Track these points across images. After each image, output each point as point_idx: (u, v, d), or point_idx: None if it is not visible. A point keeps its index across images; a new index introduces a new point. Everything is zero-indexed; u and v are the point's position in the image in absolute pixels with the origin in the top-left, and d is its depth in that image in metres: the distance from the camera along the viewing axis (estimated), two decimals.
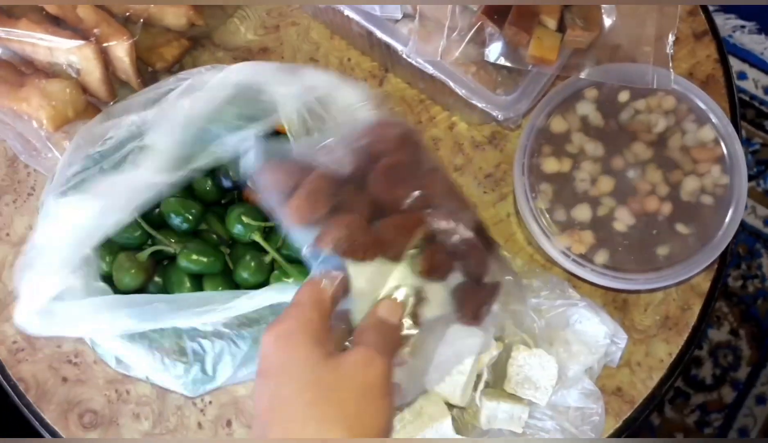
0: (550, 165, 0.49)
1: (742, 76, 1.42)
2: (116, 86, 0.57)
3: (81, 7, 0.55)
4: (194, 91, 0.50)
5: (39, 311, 0.44)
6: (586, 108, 0.50)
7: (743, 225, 1.30)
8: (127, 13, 0.55)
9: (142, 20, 0.56)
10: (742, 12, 1.44)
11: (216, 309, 0.45)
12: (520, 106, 0.46)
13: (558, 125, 0.50)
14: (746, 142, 1.37)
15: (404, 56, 0.48)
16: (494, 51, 0.45)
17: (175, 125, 0.48)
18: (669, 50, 0.46)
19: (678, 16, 0.46)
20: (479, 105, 0.46)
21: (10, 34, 0.55)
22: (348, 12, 0.49)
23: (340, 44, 0.60)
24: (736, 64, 1.42)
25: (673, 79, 0.48)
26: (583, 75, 0.46)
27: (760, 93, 1.41)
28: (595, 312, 0.51)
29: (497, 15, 0.44)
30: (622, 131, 0.50)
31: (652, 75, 0.47)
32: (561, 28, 0.46)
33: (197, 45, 0.60)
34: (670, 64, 0.47)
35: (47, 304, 0.44)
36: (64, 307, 0.45)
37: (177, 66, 0.59)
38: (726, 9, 1.43)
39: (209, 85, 0.49)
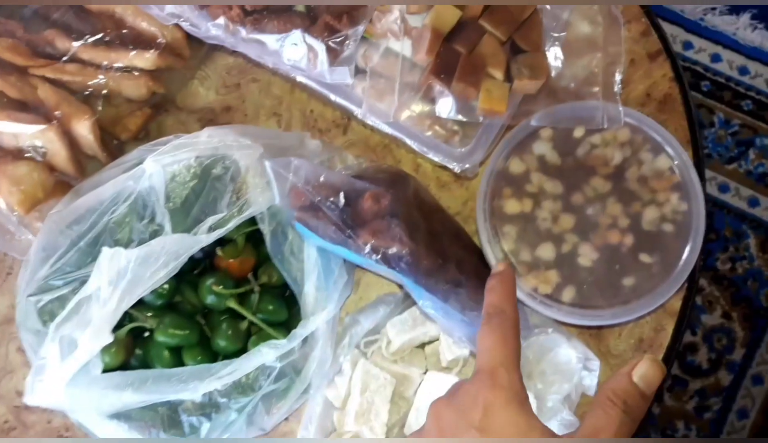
0: (512, 206, 0.50)
1: (717, 58, 1.42)
2: (84, 162, 0.57)
3: (41, 88, 0.56)
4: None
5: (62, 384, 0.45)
6: (542, 147, 0.51)
7: (728, 207, 1.31)
8: (87, 91, 0.56)
9: (102, 94, 0.57)
10: None
11: (206, 380, 0.46)
12: (475, 157, 0.47)
13: (516, 166, 0.51)
14: (724, 123, 1.38)
15: (360, 117, 0.49)
16: (445, 107, 0.46)
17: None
18: (617, 88, 0.47)
19: (623, 53, 0.47)
20: (435, 159, 0.47)
21: None
22: (300, 78, 0.50)
23: (301, 96, 0.61)
24: (709, 47, 1.43)
25: (623, 115, 0.49)
26: (534, 121, 0.47)
27: (735, 74, 1.41)
28: (565, 337, 0.52)
29: (444, 73, 0.45)
30: (580, 167, 0.51)
31: (603, 113, 0.48)
32: (508, 77, 0.47)
33: (161, 110, 0.61)
34: (619, 102, 0.47)
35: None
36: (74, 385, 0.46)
37: (143, 133, 0.60)
38: None
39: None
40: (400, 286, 0.53)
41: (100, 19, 0.58)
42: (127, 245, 0.50)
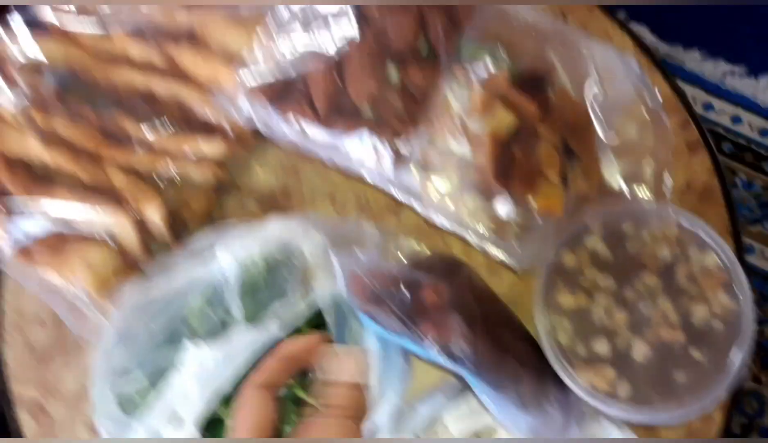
0: (566, 301, 0.52)
1: (737, 120, 1.45)
2: (152, 246, 0.60)
3: (112, 174, 0.59)
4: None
5: None
6: (593, 242, 0.53)
7: (754, 270, 1.33)
8: (156, 176, 0.59)
9: (170, 179, 0.60)
10: (729, 56, 1.48)
11: None
12: (532, 255, 0.50)
13: (569, 260, 0.53)
14: (747, 185, 1.40)
15: (421, 212, 0.52)
16: (503, 208, 0.49)
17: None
18: (667, 189, 0.50)
19: (671, 153, 0.50)
20: (493, 255, 0.50)
21: (48, 203, 0.59)
22: (364, 173, 0.53)
23: (356, 181, 0.63)
24: (729, 109, 1.46)
25: (672, 213, 0.51)
26: (586, 218, 0.50)
27: (756, 135, 1.44)
28: (617, 426, 0.53)
29: (503, 176, 0.48)
30: (631, 262, 0.53)
31: (653, 213, 0.50)
32: (564, 180, 0.50)
33: (224, 193, 0.64)
34: (669, 202, 0.50)
35: None
36: None
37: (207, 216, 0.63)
38: (713, 53, 1.48)
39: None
40: (457, 375, 0.55)
41: (167, 106, 0.61)
42: (202, 335, 0.52)
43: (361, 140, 0.51)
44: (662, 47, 1.49)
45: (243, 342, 0.49)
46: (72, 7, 0.63)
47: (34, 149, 0.58)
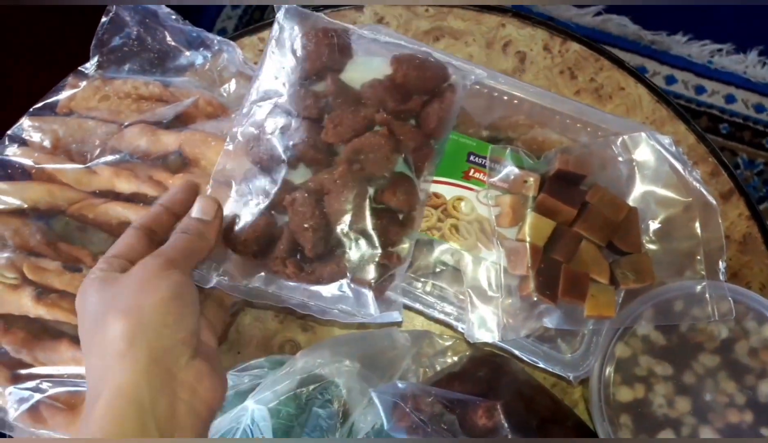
0: (624, 394, 0.49)
1: (731, 98, 1.43)
2: None
3: None
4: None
5: None
6: (645, 328, 0.50)
7: None
8: None
9: None
10: (716, 36, 1.45)
11: None
12: (587, 362, 0.46)
13: (622, 351, 0.50)
14: (749, 164, 1.38)
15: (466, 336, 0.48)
16: (552, 319, 0.45)
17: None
18: (721, 273, 0.47)
19: (723, 234, 0.47)
20: (549, 369, 0.46)
21: (53, 359, 0.55)
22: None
23: None
24: (722, 89, 1.43)
25: (725, 290, 0.48)
26: (638, 305, 0.47)
27: (752, 113, 1.42)
28: None
29: (547, 288, 0.44)
30: (686, 344, 0.50)
31: (705, 291, 0.47)
32: (613, 280, 0.46)
33: (239, 312, 0.60)
34: (725, 284, 0.47)
35: None
36: None
37: (224, 339, 0.60)
38: (699, 35, 1.44)
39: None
40: None
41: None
42: None
43: (342, 287, 0.47)
44: (646, 35, 1.46)
45: None
46: (47, 144, 0.58)
47: (28, 307, 0.54)
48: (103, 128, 0.59)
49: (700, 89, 1.43)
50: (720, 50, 1.45)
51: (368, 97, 0.48)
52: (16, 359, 0.55)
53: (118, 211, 0.56)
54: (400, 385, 0.48)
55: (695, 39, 1.45)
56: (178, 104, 0.59)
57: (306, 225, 0.46)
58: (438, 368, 0.56)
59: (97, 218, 0.57)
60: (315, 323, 0.60)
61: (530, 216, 0.45)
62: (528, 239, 0.45)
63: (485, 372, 0.52)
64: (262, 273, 0.47)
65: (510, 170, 0.48)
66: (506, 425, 0.46)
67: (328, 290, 0.47)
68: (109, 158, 0.57)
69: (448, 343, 0.57)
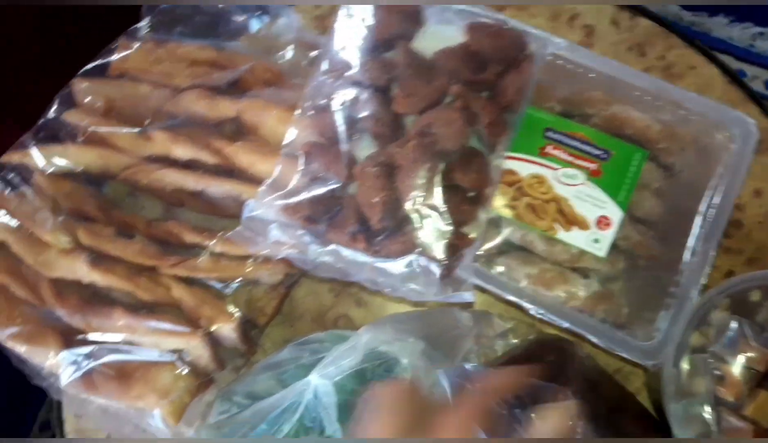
0: (697, 385, 0.47)
1: None
2: (224, 356, 0.55)
3: (175, 289, 0.54)
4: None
5: None
6: (719, 317, 0.48)
7: None
8: (220, 285, 0.54)
9: (238, 284, 0.54)
10: (758, 18, 1.41)
11: None
12: (666, 351, 0.45)
13: (696, 340, 0.48)
14: None
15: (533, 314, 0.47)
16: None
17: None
18: None
19: None
20: (621, 354, 0.45)
21: (106, 325, 0.54)
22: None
23: None
24: (762, 74, 1.40)
25: None
26: (713, 293, 0.45)
27: None
28: None
29: None
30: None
31: None
32: None
33: (294, 285, 0.59)
34: None
35: None
36: None
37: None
38: (741, 17, 1.40)
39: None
40: None
41: (223, 206, 0.55)
42: None
43: (411, 262, 0.45)
44: (686, 16, 1.41)
45: None
46: (99, 106, 0.57)
47: (82, 272, 0.53)
48: (157, 92, 0.57)
49: (741, 73, 1.39)
50: (762, 34, 1.40)
51: (441, 66, 0.46)
52: (70, 325, 0.54)
53: (174, 177, 0.55)
54: (468, 367, 0.47)
55: (737, 21, 1.41)
56: (234, 70, 0.57)
57: (376, 199, 0.44)
58: (498, 351, 0.55)
59: (150, 184, 0.56)
60: (369, 298, 0.59)
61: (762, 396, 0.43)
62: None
63: (553, 356, 0.50)
64: (331, 247, 0.46)
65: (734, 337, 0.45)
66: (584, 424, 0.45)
67: (396, 267, 0.45)
68: (165, 123, 0.56)
69: (508, 325, 0.56)
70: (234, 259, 0.54)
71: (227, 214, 0.55)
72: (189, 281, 0.54)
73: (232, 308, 0.53)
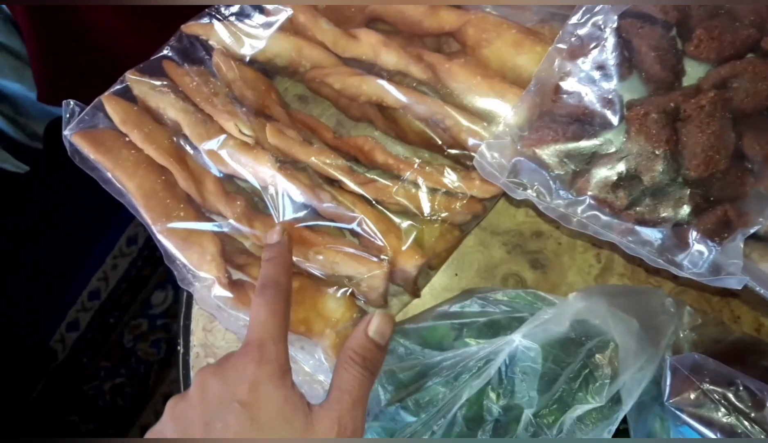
0: None
1: None
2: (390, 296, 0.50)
3: (361, 210, 0.48)
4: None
5: None
6: None
7: None
8: (410, 209, 0.48)
9: (423, 217, 0.49)
10: None
11: None
12: None
13: None
14: None
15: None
16: None
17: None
18: None
19: None
20: None
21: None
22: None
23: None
24: None
25: None
26: None
27: None
28: None
29: None
30: None
31: None
32: None
33: (467, 233, 0.54)
34: None
35: None
36: None
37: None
38: None
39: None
40: None
41: (421, 129, 0.50)
42: (476, 423, 0.44)
43: (669, 234, 0.40)
44: None
45: None
46: None
47: (266, 171, 0.47)
48: None
49: None
50: None
51: (747, 14, 0.40)
52: (231, 227, 0.49)
53: (375, 87, 0.48)
54: (697, 357, 0.42)
55: None
56: None
57: (654, 151, 0.38)
58: (685, 346, 0.50)
59: (345, 90, 0.49)
60: (548, 261, 0.53)
61: None
62: None
63: (753, 356, 0.46)
64: (584, 198, 0.40)
65: None
66: None
67: (652, 234, 0.40)
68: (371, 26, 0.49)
69: (699, 320, 0.51)
70: (430, 188, 0.48)
71: (427, 142, 0.49)
72: (374, 202, 0.48)
73: (422, 247, 0.48)
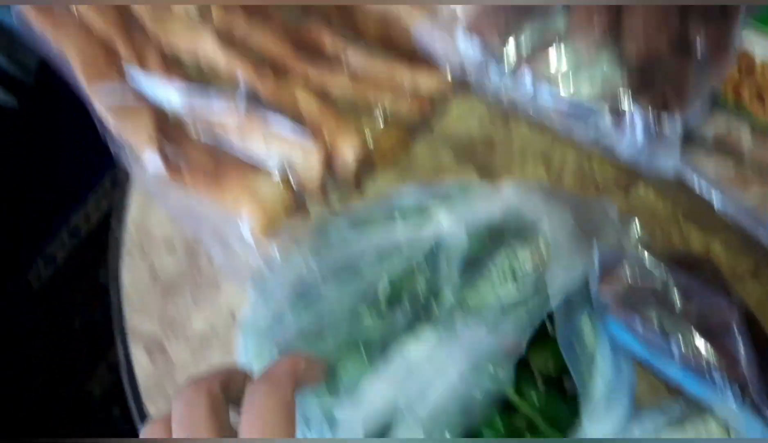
0: None
1: None
2: (329, 186, 0.50)
3: (302, 98, 0.47)
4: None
5: None
6: None
7: None
8: (355, 104, 0.48)
9: (370, 114, 0.48)
10: None
11: None
12: None
13: None
14: None
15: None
16: None
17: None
18: None
19: None
20: None
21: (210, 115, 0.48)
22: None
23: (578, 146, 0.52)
24: None
25: None
26: None
27: None
28: None
29: None
30: None
31: None
32: None
33: (415, 136, 0.53)
34: None
35: None
36: None
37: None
38: None
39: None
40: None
41: (371, 25, 0.49)
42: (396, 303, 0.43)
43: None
44: None
45: (464, 345, 0.38)
46: None
47: (207, 47, 0.47)
48: None
49: None
50: None
51: None
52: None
53: None
54: (626, 255, 0.41)
55: None
56: None
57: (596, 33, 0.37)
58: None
59: None
60: (496, 172, 0.52)
61: None
62: None
63: (700, 270, 0.44)
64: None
65: None
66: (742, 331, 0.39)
67: (592, 117, 0.39)
68: None
69: (645, 235, 0.49)
70: (377, 83, 0.47)
71: (377, 38, 0.49)
72: (320, 95, 0.48)
73: (361, 135, 0.47)
